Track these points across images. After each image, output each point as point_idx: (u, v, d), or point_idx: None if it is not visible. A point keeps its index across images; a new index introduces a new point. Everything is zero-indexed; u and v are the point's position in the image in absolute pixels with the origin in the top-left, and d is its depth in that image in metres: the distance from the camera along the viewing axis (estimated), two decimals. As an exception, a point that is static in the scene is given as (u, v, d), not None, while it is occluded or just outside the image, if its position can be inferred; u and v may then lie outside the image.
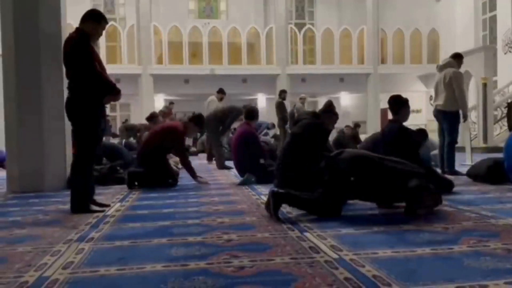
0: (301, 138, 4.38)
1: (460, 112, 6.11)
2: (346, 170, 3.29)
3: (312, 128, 4.42)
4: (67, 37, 3.81)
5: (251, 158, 5.81)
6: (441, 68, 6.35)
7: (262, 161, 5.91)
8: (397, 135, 4.51)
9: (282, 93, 12.05)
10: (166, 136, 5.80)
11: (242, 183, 5.62)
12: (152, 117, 9.54)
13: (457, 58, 6.37)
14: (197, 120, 6.11)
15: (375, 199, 3.56)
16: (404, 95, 4.75)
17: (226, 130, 8.86)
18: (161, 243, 2.65)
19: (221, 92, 9.98)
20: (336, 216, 3.25)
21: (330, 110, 4.69)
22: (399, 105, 4.60)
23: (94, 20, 3.76)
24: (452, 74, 6.08)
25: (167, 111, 14.73)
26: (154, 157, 5.68)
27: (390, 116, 5.03)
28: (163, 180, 5.61)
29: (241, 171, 5.93)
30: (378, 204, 3.61)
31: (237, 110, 8.23)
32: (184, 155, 6.04)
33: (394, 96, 4.69)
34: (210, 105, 9.77)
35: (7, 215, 3.82)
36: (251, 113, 6.31)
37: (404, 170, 3.39)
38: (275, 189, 3.42)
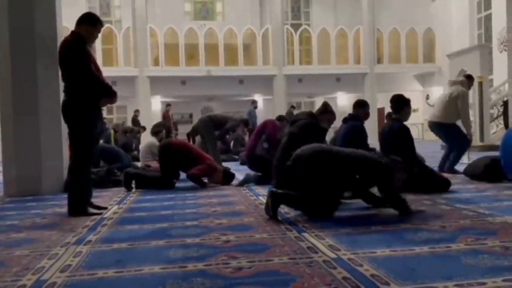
0: (298, 138, 4.39)
1: (459, 123, 6.34)
2: (306, 167, 3.30)
3: (309, 128, 4.44)
4: (62, 39, 3.82)
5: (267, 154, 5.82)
6: (452, 83, 6.68)
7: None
8: (396, 133, 4.54)
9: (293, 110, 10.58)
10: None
11: (241, 184, 5.62)
12: (156, 133, 9.37)
13: (469, 79, 6.68)
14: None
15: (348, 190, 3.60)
16: (401, 95, 4.80)
17: (221, 138, 8.79)
18: (159, 245, 2.65)
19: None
20: (328, 217, 3.22)
21: (327, 111, 4.73)
22: (401, 104, 4.68)
23: (89, 23, 3.77)
24: (460, 92, 6.33)
25: (164, 113, 14.78)
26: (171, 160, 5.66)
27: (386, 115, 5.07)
28: (165, 180, 5.58)
29: (252, 165, 6.07)
30: (366, 202, 3.63)
31: (234, 122, 8.15)
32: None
33: (397, 95, 4.78)
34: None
35: (4, 219, 3.80)
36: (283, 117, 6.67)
37: (361, 158, 3.36)
38: (274, 189, 3.42)
